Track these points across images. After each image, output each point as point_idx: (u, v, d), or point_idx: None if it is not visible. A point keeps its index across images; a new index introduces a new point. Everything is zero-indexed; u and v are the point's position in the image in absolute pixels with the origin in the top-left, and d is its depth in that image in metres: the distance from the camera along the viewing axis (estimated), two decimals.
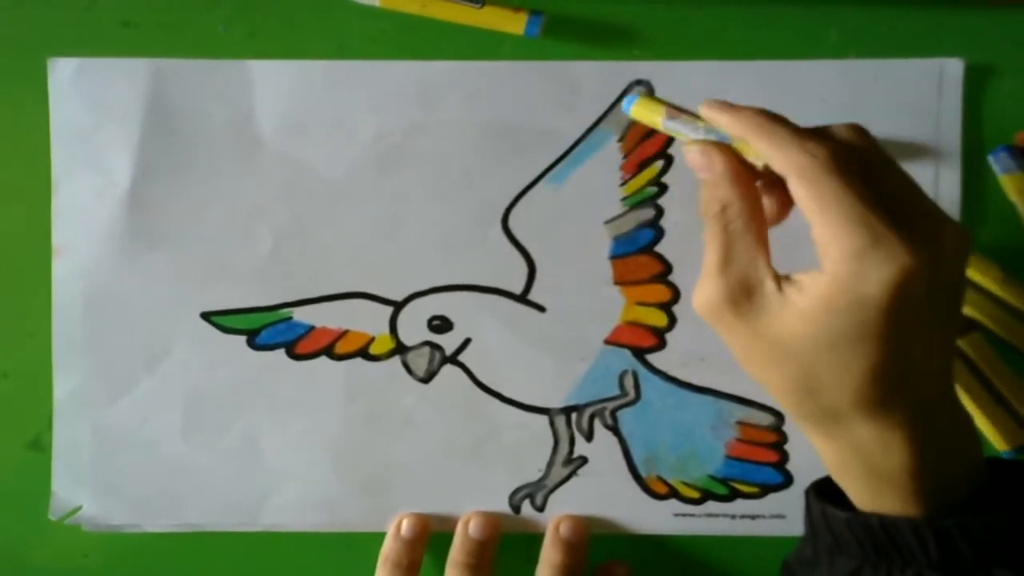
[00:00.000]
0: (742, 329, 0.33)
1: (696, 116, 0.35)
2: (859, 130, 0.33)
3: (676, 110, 0.36)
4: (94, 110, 0.44)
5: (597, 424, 0.45)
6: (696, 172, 0.34)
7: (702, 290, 0.33)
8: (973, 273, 0.43)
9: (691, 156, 0.34)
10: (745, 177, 0.33)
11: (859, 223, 0.30)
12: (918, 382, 0.31)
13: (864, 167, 0.31)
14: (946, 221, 0.32)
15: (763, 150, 0.32)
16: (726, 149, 0.34)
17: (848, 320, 0.30)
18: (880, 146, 0.33)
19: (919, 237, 0.30)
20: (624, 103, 0.37)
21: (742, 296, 0.32)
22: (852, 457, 0.33)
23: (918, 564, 0.31)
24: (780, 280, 0.32)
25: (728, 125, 0.34)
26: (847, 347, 0.30)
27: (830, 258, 0.30)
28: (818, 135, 0.32)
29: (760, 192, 0.34)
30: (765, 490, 0.45)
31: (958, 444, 0.33)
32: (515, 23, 0.43)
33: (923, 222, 0.31)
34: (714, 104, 0.34)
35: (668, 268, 0.44)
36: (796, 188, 0.31)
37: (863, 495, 0.33)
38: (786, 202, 0.34)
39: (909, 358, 0.31)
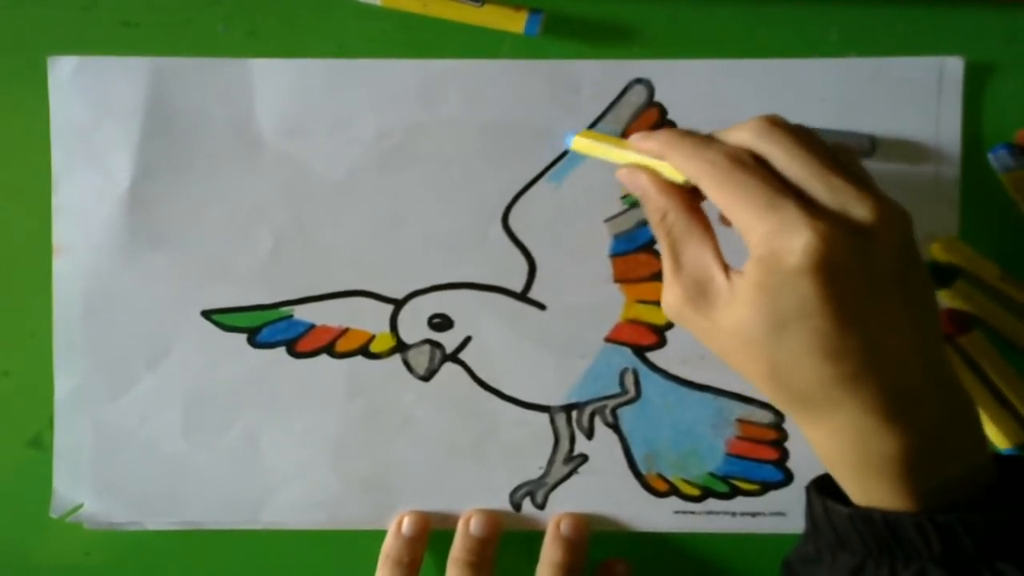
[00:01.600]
0: (706, 325, 0.34)
1: (624, 143, 0.39)
2: (763, 125, 0.34)
3: (607, 141, 0.40)
4: (94, 109, 0.44)
5: (597, 422, 0.45)
6: (631, 191, 0.37)
7: (664, 296, 0.36)
8: (972, 270, 0.43)
9: (622, 178, 0.37)
10: (673, 186, 0.36)
11: (766, 207, 0.32)
12: (891, 366, 0.31)
13: (766, 157, 0.33)
14: (863, 199, 0.32)
15: (676, 165, 0.35)
16: (647, 168, 0.37)
17: (783, 297, 0.31)
18: (786, 133, 0.34)
19: (828, 213, 0.31)
20: (565, 139, 0.42)
21: (697, 294, 0.34)
22: (836, 443, 0.33)
23: (921, 559, 0.32)
24: (729, 272, 0.34)
25: (647, 150, 0.36)
26: (794, 324, 0.31)
27: (752, 244, 0.32)
28: (718, 140, 0.35)
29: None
30: (765, 487, 0.45)
31: (956, 436, 0.33)
32: (515, 22, 0.43)
33: (833, 200, 0.32)
34: (636, 135, 0.37)
35: None
36: (707, 192, 0.34)
37: (854, 487, 0.34)
38: None
39: (868, 338, 0.31)
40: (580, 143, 0.41)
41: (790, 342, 0.32)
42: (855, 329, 0.31)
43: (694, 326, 0.35)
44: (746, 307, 0.32)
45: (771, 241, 0.31)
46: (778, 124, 0.34)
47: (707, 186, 0.33)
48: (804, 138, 0.33)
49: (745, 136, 0.34)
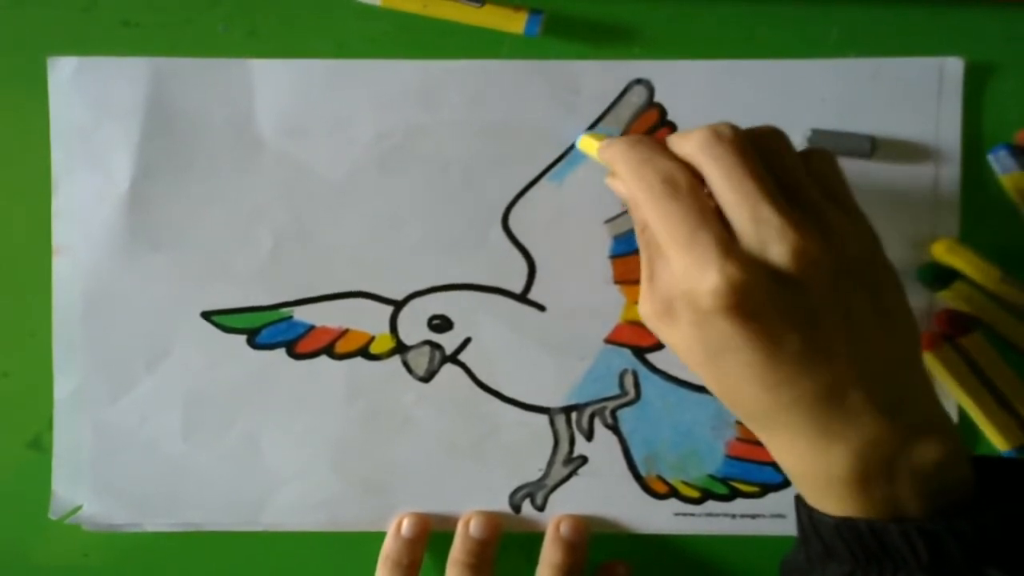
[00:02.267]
0: (669, 340, 0.34)
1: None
2: (703, 140, 0.33)
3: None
4: (94, 109, 0.44)
5: (597, 423, 0.45)
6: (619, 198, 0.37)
7: (640, 305, 0.35)
8: (972, 272, 0.43)
9: (610, 183, 0.37)
10: None
11: (686, 241, 0.31)
12: (827, 390, 0.31)
13: (703, 176, 0.33)
14: (788, 230, 0.31)
15: (622, 180, 0.35)
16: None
17: (710, 332, 0.32)
18: (725, 150, 0.32)
19: (745, 248, 0.31)
20: (577, 139, 0.42)
21: (663, 310, 0.34)
22: (790, 460, 0.34)
23: (909, 568, 0.31)
24: None
25: (604, 159, 0.36)
26: (727, 357, 0.32)
27: (676, 278, 0.32)
28: (662, 155, 0.33)
29: None
30: (765, 489, 0.45)
31: (913, 447, 0.32)
32: (515, 22, 0.43)
33: (758, 231, 0.31)
34: (605, 141, 0.37)
35: None
36: (642, 215, 0.34)
37: (810, 497, 0.34)
38: None
39: (799, 366, 0.31)
40: (586, 143, 0.41)
41: (728, 370, 0.32)
42: (784, 362, 0.31)
43: (663, 338, 0.35)
44: (684, 336, 0.33)
45: (687, 279, 0.31)
46: (722, 138, 0.32)
47: (643, 210, 0.33)
48: (745, 156, 0.32)
49: (689, 148, 0.33)
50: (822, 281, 0.31)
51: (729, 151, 0.32)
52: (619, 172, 0.35)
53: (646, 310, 0.35)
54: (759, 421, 0.34)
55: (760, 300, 0.30)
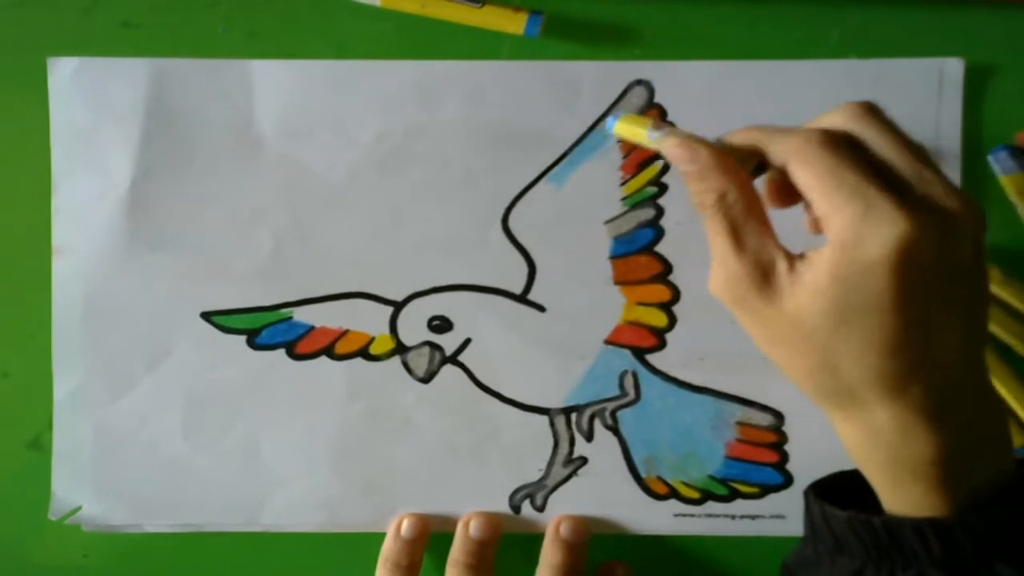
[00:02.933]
0: (763, 311, 0.33)
1: (676, 128, 0.36)
2: (858, 110, 0.33)
3: (661, 123, 0.36)
4: (94, 110, 0.44)
5: (597, 424, 0.45)
6: (679, 165, 0.34)
7: (718, 276, 0.34)
8: None
9: (672, 150, 0.34)
10: (735, 166, 0.34)
11: (855, 193, 0.30)
12: (940, 364, 0.31)
13: (861, 143, 0.32)
14: (952, 195, 0.31)
15: (761, 141, 0.33)
16: (708, 143, 0.34)
17: (856, 288, 0.30)
18: (882, 121, 0.33)
19: (919, 205, 0.30)
20: (607, 123, 0.37)
21: (761, 278, 0.32)
22: (874, 442, 0.33)
23: (920, 563, 0.31)
24: (792, 259, 0.32)
25: (730, 138, 0.35)
26: (860, 318, 0.31)
27: (832, 230, 0.31)
28: (812, 124, 0.33)
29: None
30: (765, 490, 0.45)
31: (989, 438, 0.32)
32: (515, 23, 0.43)
33: (924, 191, 0.31)
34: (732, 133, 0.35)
35: (668, 268, 0.44)
36: (795, 170, 0.32)
37: (885, 484, 0.33)
38: (784, 198, 0.35)
39: (926, 335, 0.31)
40: (623, 126, 0.36)
41: (850, 334, 0.31)
42: (917, 325, 0.31)
43: (747, 310, 0.33)
44: (813, 297, 0.31)
45: (856, 228, 0.30)
46: (875, 110, 0.33)
47: (796, 164, 0.32)
48: (898, 128, 0.33)
49: (839, 119, 0.33)
50: (975, 239, 0.31)
51: (884, 120, 0.33)
52: (763, 134, 0.33)
53: (732, 279, 0.33)
54: (852, 396, 0.32)
55: (930, 252, 0.30)
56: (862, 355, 0.31)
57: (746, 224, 0.33)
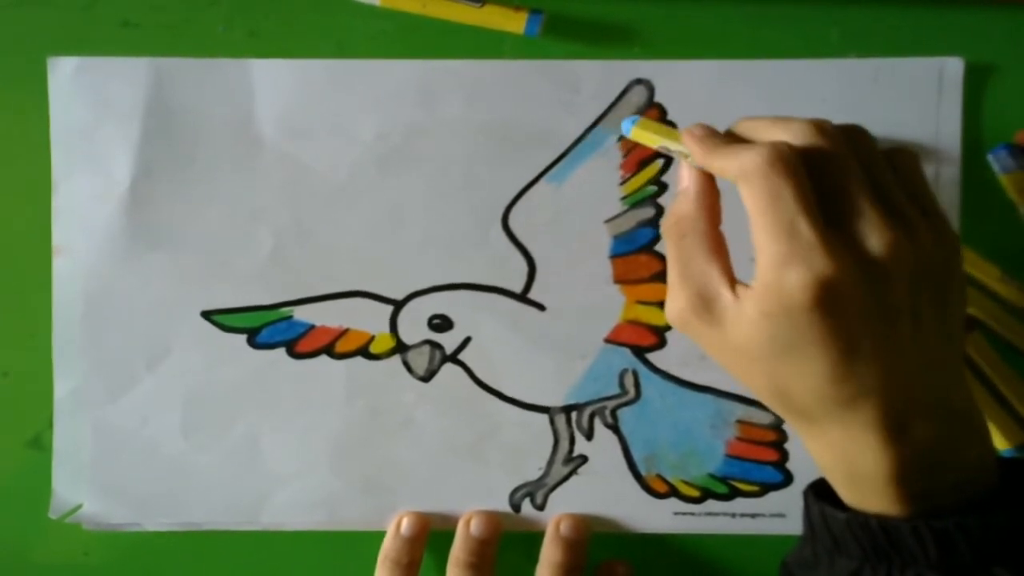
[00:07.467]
0: (709, 336, 0.34)
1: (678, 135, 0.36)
2: (817, 128, 0.33)
3: (665, 133, 0.37)
4: (94, 109, 0.44)
5: (597, 423, 0.45)
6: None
7: (668, 302, 0.35)
8: (972, 272, 0.43)
9: (683, 171, 0.36)
10: (708, 195, 0.34)
11: (783, 230, 0.30)
12: (891, 388, 0.31)
13: (815, 165, 0.32)
14: (886, 231, 0.31)
15: (720, 158, 0.33)
16: (697, 169, 0.35)
17: (784, 327, 0.31)
18: (838, 143, 0.32)
19: (848, 243, 0.31)
20: (623, 125, 0.38)
21: (702, 307, 0.33)
22: (832, 458, 0.33)
23: (917, 564, 0.32)
24: (737, 288, 0.33)
25: (686, 144, 0.35)
26: (795, 352, 0.31)
27: (759, 267, 0.31)
28: (784, 128, 0.33)
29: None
30: (765, 489, 0.45)
31: (955, 451, 0.32)
32: (515, 22, 0.43)
33: (856, 228, 0.31)
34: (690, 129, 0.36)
35: None
36: (741, 190, 0.32)
37: (848, 496, 0.34)
38: None
39: (867, 366, 0.31)
40: (639, 131, 0.38)
41: (792, 365, 0.32)
42: (857, 358, 0.31)
43: (696, 336, 0.34)
44: (752, 329, 0.32)
45: (777, 270, 0.30)
46: (824, 131, 0.33)
47: (741, 186, 0.32)
48: (846, 150, 0.32)
49: (789, 138, 0.33)
50: (904, 281, 0.31)
51: (831, 144, 0.32)
52: (720, 149, 0.33)
53: (676, 307, 0.34)
54: (807, 415, 0.33)
55: (850, 293, 0.30)
56: (806, 381, 0.32)
57: (694, 253, 0.34)
